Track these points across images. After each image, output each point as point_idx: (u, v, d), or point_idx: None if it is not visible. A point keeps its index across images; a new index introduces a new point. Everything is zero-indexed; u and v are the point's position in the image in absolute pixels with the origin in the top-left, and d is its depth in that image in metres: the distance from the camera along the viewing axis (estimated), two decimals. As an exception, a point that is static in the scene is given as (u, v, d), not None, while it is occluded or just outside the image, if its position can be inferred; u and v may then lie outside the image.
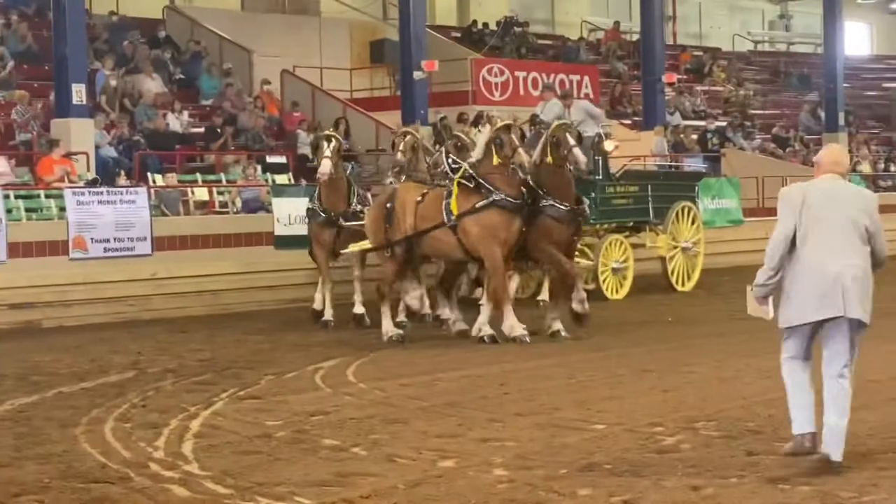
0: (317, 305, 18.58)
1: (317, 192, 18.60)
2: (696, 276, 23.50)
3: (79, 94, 22.24)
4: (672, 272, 22.96)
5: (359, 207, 18.21)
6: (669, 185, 23.62)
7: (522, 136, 16.34)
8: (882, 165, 37.34)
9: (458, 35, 36.63)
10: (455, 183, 15.97)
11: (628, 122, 34.06)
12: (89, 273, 19.74)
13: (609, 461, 8.79)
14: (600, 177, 21.19)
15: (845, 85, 38.23)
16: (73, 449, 9.71)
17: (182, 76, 29.12)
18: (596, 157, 20.95)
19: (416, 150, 17.44)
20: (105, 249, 19.96)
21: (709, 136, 33.46)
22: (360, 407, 11.40)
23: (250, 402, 11.81)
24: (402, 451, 9.35)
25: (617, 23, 41.44)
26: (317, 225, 18.46)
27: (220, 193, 23.53)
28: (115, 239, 20.05)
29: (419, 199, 16.18)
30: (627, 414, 10.63)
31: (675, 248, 22.98)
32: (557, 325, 16.16)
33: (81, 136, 22.36)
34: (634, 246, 22.19)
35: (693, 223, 23.48)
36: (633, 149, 30.75)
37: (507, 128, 15.77)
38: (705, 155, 32.23)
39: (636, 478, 8.29)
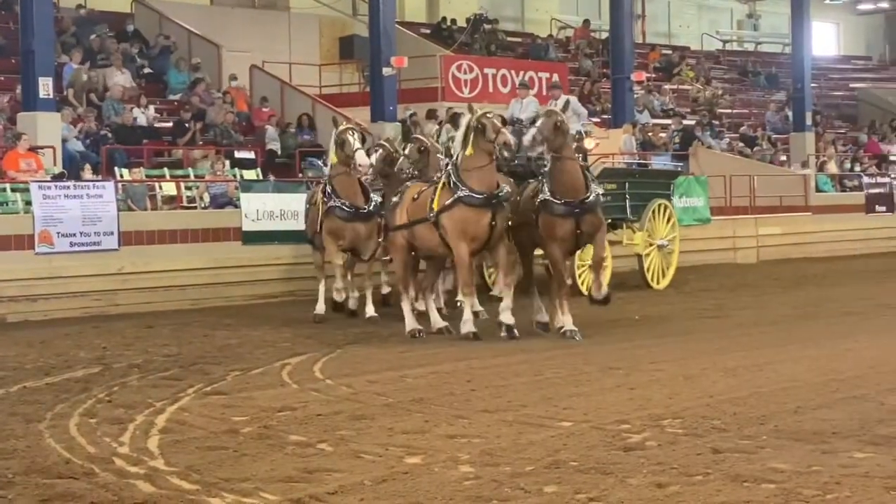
0: (338, 297, 18.26)
1: (328, 186, 18.46)
2: (670, 273, 23.67)
3: (45, 87, 22.11)
4: (648, 270, 23.13)
5: (379, 199, 18.26)
6: (646, 182, 23.81)
7: (504, 122, 16.22)
8: (848, 165, 37.51)
9: (428, 32, 36.61)
10: (441, 180, 16.24)
11: (597, 119, 34.08)
12: (55, 268, 19.66)
13: (575, 458, 8.80)
14: None
15: (812, 85, 38.40)
16: (37, 444, 9.67)
17: (150, 71, 29.01)
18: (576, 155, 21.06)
19: (424, 154, 17.94)
20: (71, 244, 19.87)
21: (674, 134, 33.55)
22: (326, 403, 11.39)
23: (216, 398, 11.79)
24: (368, 447, 9.34)
25: (586, 21, 41.53)
26: (339, 220, 18.16)
27: (187, 188, 23.45)
28: (81, 233, 19.96)
29: (415, 196, 16.54)
30: (594, 411, 10.65)
31: (651, 245, 23.20)
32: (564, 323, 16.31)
33: (48, 129, 22.25)
34: (611, 243, 22.18)
35: (669, 221, 23.67)
36: (602, 146, 30.86)
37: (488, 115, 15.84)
38: (673, 153, 32.33)
39: (602, 475, 8.31)
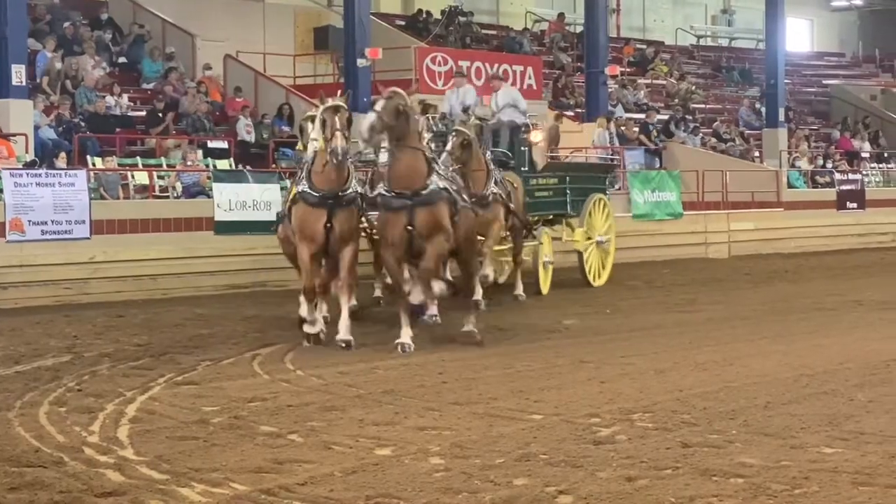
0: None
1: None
2: (608, 270, 22.84)
3: (18, 74, 22.05)
4: (588, 266, 22.23)
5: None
6: (585, 177, 22.95)
7: (349, 121, 14.19)
8: (820, 161, 37.68)
9: (403, 23, 36.56)
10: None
11: (571, 113, 34.16)
12: (26, 256, 19.58)
13: (545, 451, 8.82)
14: (526, 168, 20.53)
15: (786, 81, 38.55)
16: (6, 433, 9.64)
17: (124, 59, 28.91)
18: (522, 148, 20.48)
19: (465, 147, 16.90)
20: (43, 232, 19.79)
21: (650, 128, 33.61)
22: (297, 394, 11.38)
23: (187, 388, 11.77)
24: (338, 438, 9.35)
25: (561, 14, 41.56)
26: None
27: (160, 178, 23.38)
28: (52, 221, 19.89)
29: None
30: (564, 404, 10.67)
31: (590, 241, 22.29)
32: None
33: (20, 117, 22.18)
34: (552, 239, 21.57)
35: (606, 217, 22.80)
36: (576, 140, 30.95)
37: (335, 109, 14.05)
38: (646, 148, 32.41)
39: (572, 468, 8.33)
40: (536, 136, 20.76)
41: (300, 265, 14.90)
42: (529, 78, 31.92)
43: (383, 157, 14.16)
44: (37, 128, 22.71)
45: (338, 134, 13.91)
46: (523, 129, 20.47)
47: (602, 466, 8.36)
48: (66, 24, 28.11)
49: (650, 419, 9.99)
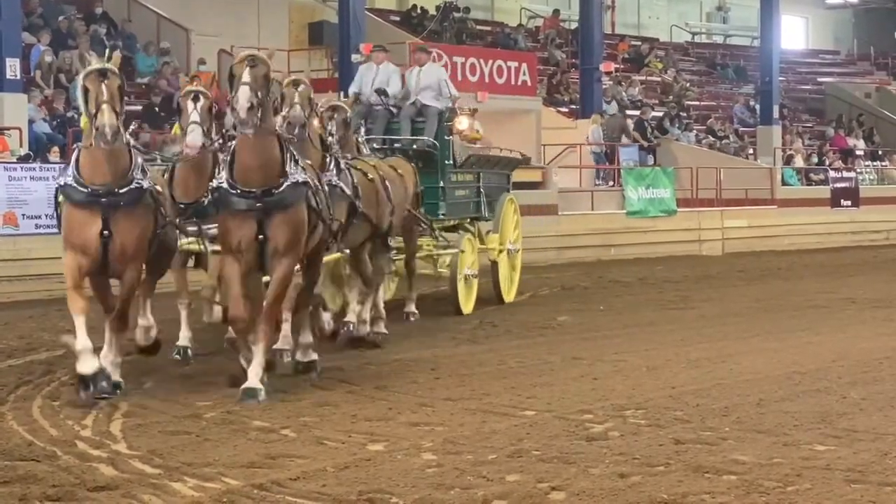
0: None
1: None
2: (516, 282, 19.39)
3: (12, 68, 22.03)
4: (501, 279, 18.70)
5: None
6: (497, 173, 19.45)
7: (122, 91, 10.73)
8: (815, 159, 37.71)
9: (398, 19, 36.55)
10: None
11: (565, 109, 34.18)
12: (20, 249, 19.57)
13: (538, 447, 8.82)
14: (450, 161, 17.63)
15: (780, 78, 38.60)
16: (-1, 426, 9.65)
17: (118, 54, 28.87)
18: (447, 138, 17.59)
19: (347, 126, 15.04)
20: (36, 226, 19.78)
21: (646, 125, 33.64)
22: (290, 389, 11.37)
23: (180, 382, 11.76)
24: (331, 433, 9.35)
25: (556, 11, 41.55)
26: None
27: (154, 172, 23.31)
28: (46, 216, 19.84)
29: None
30: (557, 401, 10.67)
31: (502, 250, 18.63)
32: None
33: (14, 110, 22.16)
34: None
35: (516, 222, 19.33)
36: (570, 137, 30.97)
37: (101, 74, 10.60)
38: (640, 144, 32.43)
39: (564, 464, 8.34)
40: (462, 123, 18.29)
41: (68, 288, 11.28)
42: (524, 74, 31.89)
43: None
44: (31, 122, 22.69)
45: (104, 107, 10.37)
46: (447, 114, 17.70)
47: (595, 463, 8.37)
48: (61, 18, 28.08)
49: (643, 416, 9.99)
